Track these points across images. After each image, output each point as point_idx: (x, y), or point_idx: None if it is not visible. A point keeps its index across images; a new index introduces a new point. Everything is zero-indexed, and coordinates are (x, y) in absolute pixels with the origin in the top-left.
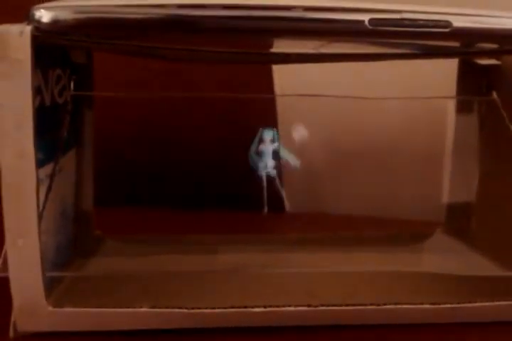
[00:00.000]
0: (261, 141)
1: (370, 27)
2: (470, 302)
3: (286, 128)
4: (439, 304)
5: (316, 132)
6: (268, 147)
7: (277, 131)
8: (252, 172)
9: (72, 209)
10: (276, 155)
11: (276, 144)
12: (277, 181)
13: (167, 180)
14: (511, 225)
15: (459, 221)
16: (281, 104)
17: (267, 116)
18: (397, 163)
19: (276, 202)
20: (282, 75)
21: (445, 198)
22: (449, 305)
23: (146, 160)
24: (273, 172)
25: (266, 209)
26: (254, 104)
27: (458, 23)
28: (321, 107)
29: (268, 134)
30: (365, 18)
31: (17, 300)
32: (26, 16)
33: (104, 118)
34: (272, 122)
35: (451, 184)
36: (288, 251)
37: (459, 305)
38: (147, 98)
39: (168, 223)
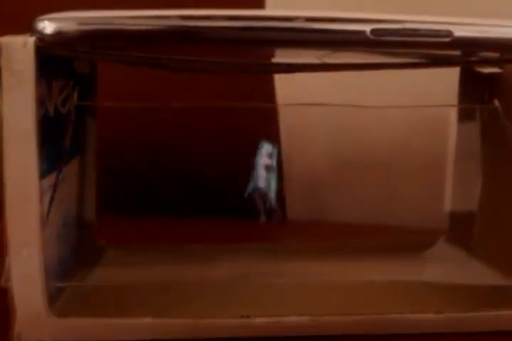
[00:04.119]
0: (259, 154)
1: (372, 37)
2: (474, 311)
3: (289, 137)
4: (443, 313)
5: (318, 141)
6: (263, 161)
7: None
8: (253, 180)
9: (75, 218)
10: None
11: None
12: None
13: (171, 189)
14: None
15: (462, 229)
16: (283, 114)
17: (269, 125)
18: (400, 171)
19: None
20: (284, 85)
21: (447, 206)
22: (453, 315)
23: (148, 169)
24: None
25: (264, 219)
26: (256, 114)
27: (459, 32)
28: (323, 116)
29: (266, 149)
30: (367, 28)
31: (20, 311)
32: (29, 27)
33: (106, 128)
34: (274, 132)
35: (454, 192)
36: (289, 260)
37: (463, 315)
38: (150, 108)
39: (171, 232)
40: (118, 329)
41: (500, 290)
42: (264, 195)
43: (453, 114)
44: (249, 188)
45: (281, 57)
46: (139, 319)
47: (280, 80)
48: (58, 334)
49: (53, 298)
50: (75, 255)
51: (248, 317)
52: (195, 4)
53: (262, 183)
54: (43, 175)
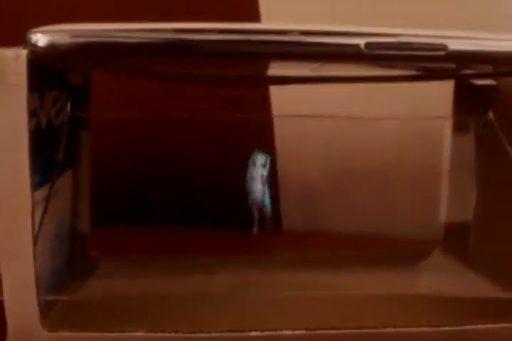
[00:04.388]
0: (253, 164)
1: (366, 51)
2: (470, 324)
3: (284, 147)
4: (439, 326)
5: (313, 151)
6: (258, 171)
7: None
8: (248, 191)
9: (69, 230)
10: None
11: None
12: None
13: (165, 201)
14: (509, 244)
15: (458, 240)
16: (278, 124)
17: (264, 135)
18: (395, 181)
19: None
20: (279, 95)
21: (443, 217)
22: (448, 328)
23: (142, 180)
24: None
25: (260, 229)
26: (250, 124)
27: (454, 46)
28: (318, 126)
29: (260, 159)
30: (361, 41)
31: (12, 324)
32: (23, 40)
33: (100, 139)
34: (269, 142)
35: (449, 202)
36: (284, 271)
37: (459, 328)
38: (143, 119)
39: (165, 244)
40: None
41: (496, 302)
42: (259, 206)
43: (448, 125)
44: (244, 199)
45: (275, 69)
46: (131, 333)
47: (275, 90)
48: None
49: (45, 311)
50: (69, 267)
51: (243, 331)
52: (190, 17)
53: (256, 194)
54: (35, 187)
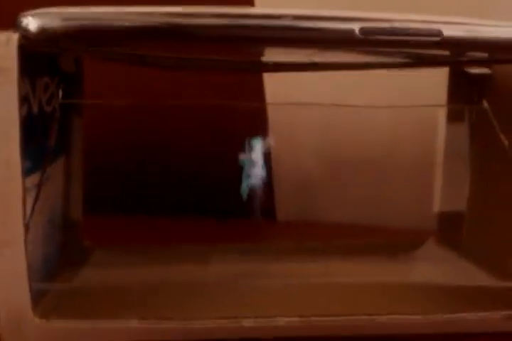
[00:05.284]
0: (247, 153)
1: (361, 36)
2: (463, 312)
3: (278, 136)
4: (432, 314)
5: (307, 140)
6: (252, 160)
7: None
8: (242, 180)
9: (61, 218)
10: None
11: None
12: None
13: (158, 189)
14: (503, 234)
15: (451, 230)
16: (272, 112)
17: (259, 124)
18: (389, 171)
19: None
20: (273, 82)
21: (436, 207)
22: (441, 316)
23: (135, 168)
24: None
25: (254, 218)
26: (244, 113)
27: (449, 32)
28: (312, 115)
29: (254, 147)
30: (356, 27)
31: (3, 312)
32: (13, 24)
33: (93, 126)
34: (263, 131)
35: (443, 192)
36: (279, 260)
37: (452, 316)
38: (137, 106)
39: (158, 232)
40: (103, 332)
41: (489, 291)
42: (253, 195)
43: (442, 114)
44: (238, 188)
45: (269, 56)
46: (125, 321)
47: (269, 78)
48: (42, 336)
49: (37, 299)
50: (61, 255)
51: (236, 318)
52: (184, 2)
53: (250, 183)
54: (26, 173)
